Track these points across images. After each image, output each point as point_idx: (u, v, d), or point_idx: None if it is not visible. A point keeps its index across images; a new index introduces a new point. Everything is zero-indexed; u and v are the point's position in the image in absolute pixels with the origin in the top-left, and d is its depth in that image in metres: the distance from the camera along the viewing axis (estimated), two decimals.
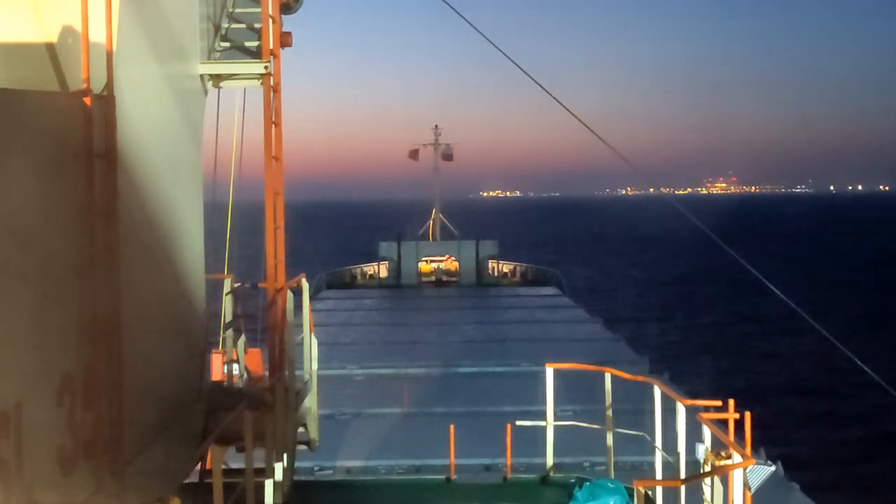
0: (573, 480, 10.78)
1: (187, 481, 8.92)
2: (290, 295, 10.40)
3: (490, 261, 54.35)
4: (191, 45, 9.33)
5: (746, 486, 7.66)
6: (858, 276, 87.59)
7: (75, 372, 5.90)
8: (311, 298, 28.35)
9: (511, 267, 56.53)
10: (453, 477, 11.49)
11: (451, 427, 12.79)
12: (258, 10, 10.19)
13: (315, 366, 11.54)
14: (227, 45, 10.27)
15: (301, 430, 11.02)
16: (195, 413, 9.01)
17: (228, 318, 10.98)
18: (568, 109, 13.52)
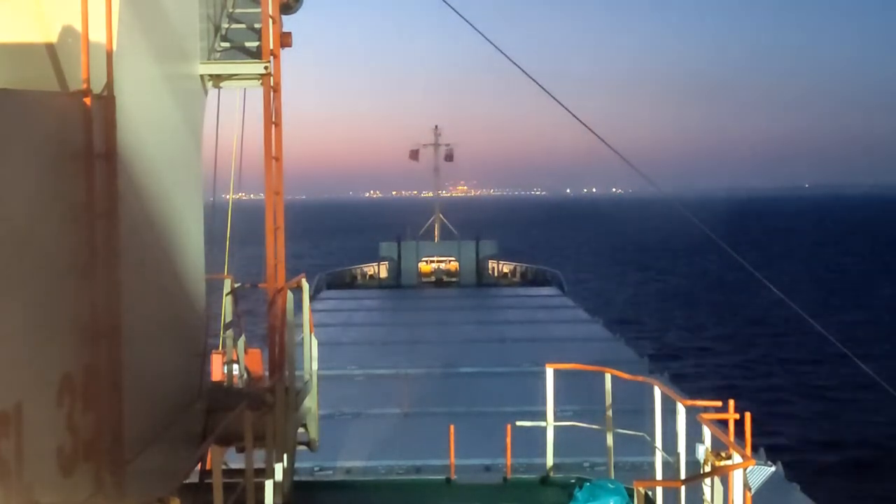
0: (573, 481, 10.77)
1: (187, 481, 8.92)
2: (290, 295, 10.40)
3: (490, 261, 54.36)
4: (191, 45, 9.33)
5: (746, 486, 7.66)
6: (853, 272, 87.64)
7: (75, 372, 5.90)
8: (311, 299, 28.30)
9: (511, 267, 56.54)
10: (453, 477, 11.48)
11: (451, 427, 12.79)
12: (258, 10, 10.19)
13: (315, 366, 11.54)
14: (227, 45, 10.27)
15: (301, 430, 11.02)
16: (195, 413, 9.01)
17: (228, 318, 10.98)
18: (568, 109, 13.52)
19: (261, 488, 9.13)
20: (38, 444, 5.34)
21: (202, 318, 9.43)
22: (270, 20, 9.86)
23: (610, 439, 10.99)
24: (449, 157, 58.06)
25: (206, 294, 9.65)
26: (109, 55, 6.44)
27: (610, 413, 10.94)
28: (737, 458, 7.80)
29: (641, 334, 51.25)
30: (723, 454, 8.09)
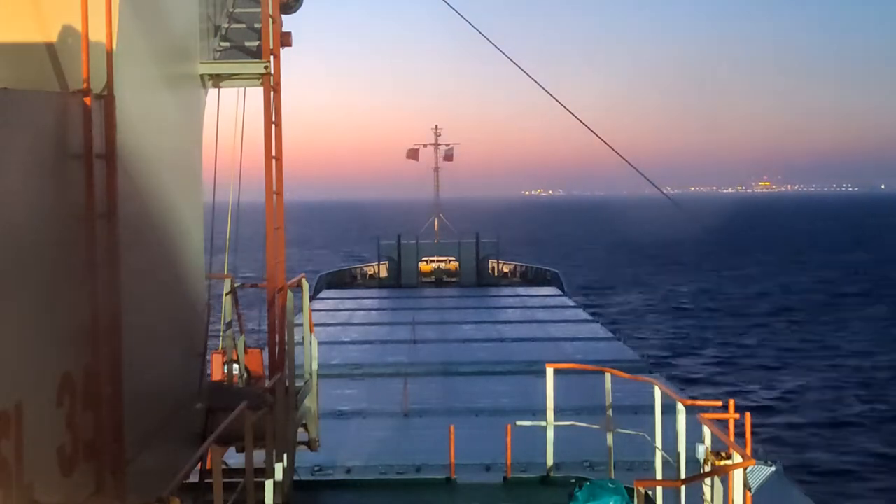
0: (573, 480, 10.76)
1: (187, 481, 8.92)
2: (290, 295, 10.41)
3: (490, 260, 54.39)
4: (191, 45, 9.33)
5: (746, 486, 7.65)
6: (868, 273, 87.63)
7: (75, 372, 5.90)
8: (311, 298, 28.19)
9: (511, 267, 56.59)
10: (453, 477, 11.49)
11: (451, 427, 12.80)
12: (258, 10, 10.20)
13: (315, 366, 11.55)
14: (227, 45, 10.28)
15: (301, 430, 11.02)
16: (195, 413, 9.01)
17: (228, 318, 10.99)
18: (569, 110, 13.53)
19: (261, 488, 9.13)
20: (38, 444, 5.34)
21: (202, 318, 9.43)
22: (270, 20, 9.87)
23: (610, 439, 11.00)
24: (449, 157, 58.13)
25: (206, 294, 9.65)
26: (109, 55, 6.44)
27: (610, 413, 10.95)
28: (737, 458, 7.80)
29: (641, 334, 51.24)
30: (723, 454, 8.09)
